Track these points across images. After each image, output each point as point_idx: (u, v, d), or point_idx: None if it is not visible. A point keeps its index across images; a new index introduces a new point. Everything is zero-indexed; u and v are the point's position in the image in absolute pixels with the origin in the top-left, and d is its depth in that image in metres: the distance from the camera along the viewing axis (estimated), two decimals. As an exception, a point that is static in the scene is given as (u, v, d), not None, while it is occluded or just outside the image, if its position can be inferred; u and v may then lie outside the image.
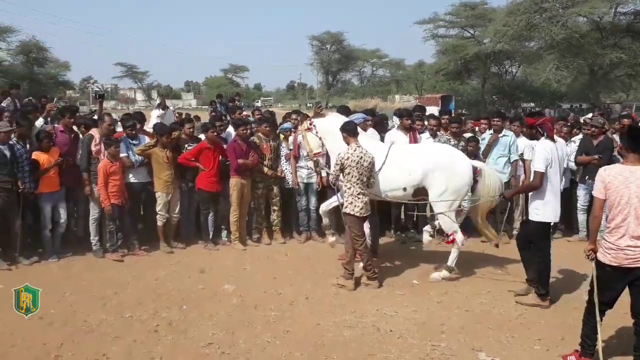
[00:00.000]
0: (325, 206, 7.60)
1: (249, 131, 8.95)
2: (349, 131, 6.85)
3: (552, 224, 6.28)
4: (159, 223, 8.46)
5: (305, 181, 9.09)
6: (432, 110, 16.12)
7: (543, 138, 6.16)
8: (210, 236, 8.81)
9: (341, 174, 6.74)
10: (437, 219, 7.28)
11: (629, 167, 4.55)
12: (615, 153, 8.43)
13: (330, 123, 7.47)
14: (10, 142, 7.56)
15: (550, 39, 31.78)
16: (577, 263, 7.11)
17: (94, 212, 8.14)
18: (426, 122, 9.43)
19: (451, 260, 7.21)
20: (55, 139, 8.10)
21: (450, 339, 5.44)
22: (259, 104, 67.89)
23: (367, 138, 7.46)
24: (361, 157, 6.67)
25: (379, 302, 6.41)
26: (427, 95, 47.78)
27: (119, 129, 8.85)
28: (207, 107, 18.06)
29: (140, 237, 8.68)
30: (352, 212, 6.73)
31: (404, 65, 73.16)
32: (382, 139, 9.01)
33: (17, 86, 11.81)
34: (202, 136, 8.90)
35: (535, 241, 6.29)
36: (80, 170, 8.08)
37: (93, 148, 8.05)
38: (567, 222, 9.41)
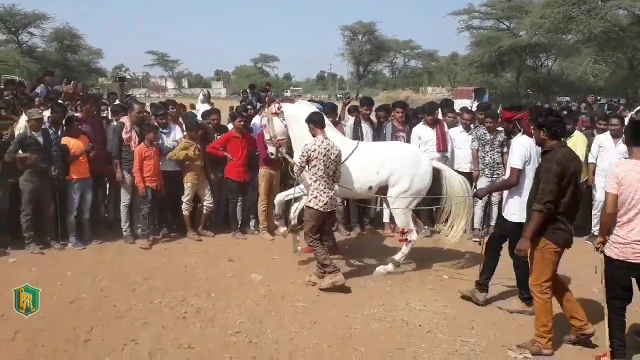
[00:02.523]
0: (281, 196, 7.44)
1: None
2: (316, 122, 6.56)
3: None
4: (185, 212, 8.51)
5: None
6: (465, 103, 15.89)
7: (520, 134, 5.89)
8: (239, 225, 8.83)
9: (306, 166, 6.48)
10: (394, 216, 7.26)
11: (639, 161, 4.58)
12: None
13: (299, 110, 7.22)
14: (44, 127, 7.67)
15: (589, 32, 31.04)
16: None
17: (124, 199, 8.23)
18: (459, 116, 9.27)
19: (399, 256, 7.11)
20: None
21: (480, 334, 5.34)
22: (288, 94, 67.84)
23: (334, 132, 7.23)
24: (328, 150, 6.38)
25: (408, 296, 6.32)
26: (460, 88, 47.14)
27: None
28: (237, 96, 18.11)
29: (170, 225, 8.77)
30: (315, 207, 6.42)
31: (437, 56, 72.06)
32: (409, 133, 8.94)
33: (50, 73, 11.98)
34: (230, 125, 8.91)
35: (513, 242, 5.57)
36: (112, 157, 8.16)
37: (124, 135, 8.12)
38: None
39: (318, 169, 6.36)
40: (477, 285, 6.13)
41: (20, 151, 7.49)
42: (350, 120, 9.37)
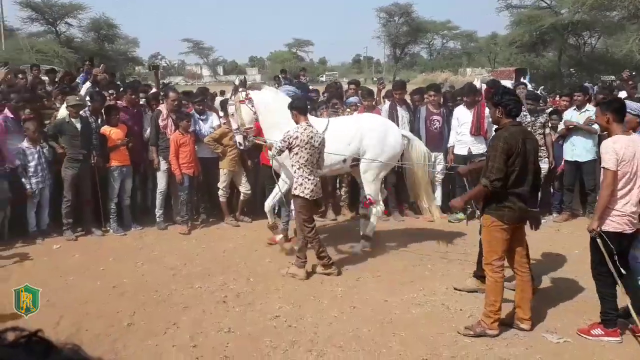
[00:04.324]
0: (270, 202, 7.17)
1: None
2: (300, 109, 6.36)
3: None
4: (222, 199, 8.53)
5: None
6: (505, 84, 15.47)
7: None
8: (276, 211, 8.80)
9: (289, 154, 6.29)
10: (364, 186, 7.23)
11: (628, 137, 4.73)
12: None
13: (268, 97, 7.12)
14: (84, 115, 7.78)
15: (634, 8, 29.90)
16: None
17: (160, 185, 8.31)
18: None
19: (369, 229, 7.22)
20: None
21: (524, 319, 5.21)
22: (323, 78, 67.36)
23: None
24: (311, 137, 6.17)
25: (449, 280, 6.21)
26: (500, 69, 45.90)
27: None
28: (272, 82, 18.04)
29: (208, 211, 8.83)
30: (301, 195, 6.23)
31: (476, 37, 70.10)
32: (446, 116, 8.78)
33: (91, 61, 12.10)
34: None
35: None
36: (149, 144, 8.24)
37: (160, 123, 8.18)
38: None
39: (300, 157, 6.17)
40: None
41: (59, 138, 7.65)
42: (386, 104, 9.25)
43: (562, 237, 7.89)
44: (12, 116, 7.67)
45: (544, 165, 7.90)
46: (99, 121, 8.09)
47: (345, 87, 11.36)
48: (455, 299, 5.71)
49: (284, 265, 6.68)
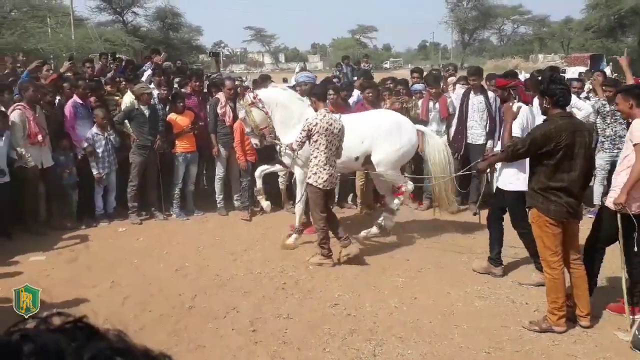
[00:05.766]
0: (259, 171, 7.24)
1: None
2: (318, 95, 6.31)
3: None
4: (281, 186, 8.53)
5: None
6: (580, 70, 14.87)
7: (515, 101, 5.68)
8: (336, 199, 8.76)
9: (308, 142, 6.18)
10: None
11: None
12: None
13: (276, 94, 7.02)
14: (151, 103, 7.95)
15: None
16: None
17: (219, 172, 8.40)
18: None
19: (395, 205, 7.11)
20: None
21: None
22: (387, 65, 66.57)
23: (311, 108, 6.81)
24: (330, 124, 6.08)
25: (515, 274, 5.99)
26: (574, 55, 44.06)
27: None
28: (333, 69, 17.96)
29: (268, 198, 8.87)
30: (314, 184, 6.13)
31: (549, 22, 67.24)
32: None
33: (157, 51, 12.38)
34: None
35: (513, 212, 5.77)
36: (208, 132, 8.33)
37: (219, 110, 8.25)
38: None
39: (320, 144, 6.07)
40: (490, 261, 5.97)
41: (127, 123, 7.86)
42: (458, 90, 8.92)
43: None
44: (81, 102, 7.92)
45: None
46: (165, 108, 8.25)
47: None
48: (521, 292, 5.50)
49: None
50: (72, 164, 7.71)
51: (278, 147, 7.04)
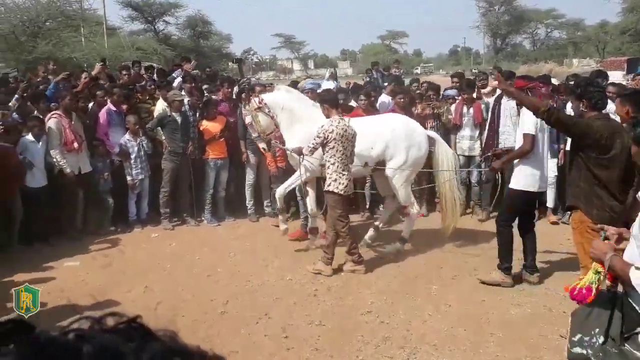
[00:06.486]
0: (283, 189, 6.99)
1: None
2: (331, 102, 6.21)
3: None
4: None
5: (466, 154, 8.56)
6: (616, 75, 14.54)
7: None
8: (367, 206, 8.71)
9: (322, 149, 6.09)
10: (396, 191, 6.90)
11: None
12: None
13: (283, 98, 6.90)
14: (182, 109, 8.02)
15: None
16: None
17: (249, 178, 8.42)
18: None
19: (405, 231, 6.95)
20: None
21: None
22: (418, 70, 66.05)
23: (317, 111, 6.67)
24: (345, 130, 6.01)
25: (551, 282, 5.85)
26: (610, 59, 43.17)
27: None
28: (363, 75, 17.93)
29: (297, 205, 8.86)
30: (335, 190, 6.05)
31: (583, 25, 65.68)
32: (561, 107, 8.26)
33: (187, 59, 12.52)
34: (353, 103, 8.78)
35: (505, 208, 5.92)
36: (238, 138, 8.36)
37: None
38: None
39: (337, 151, 5.99)
40: (526, 269, 5.89)
41: (159, 130, 7.96)
42: (491, 98, 8.78)
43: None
44: (115, 109, 8.03)
45: None
46: (197, 115, 8.32)
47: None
48: (558, 301, 5.36)
49: (376, 261, 6.57)
50: (108, 170, 7.83)
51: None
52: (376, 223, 7.22)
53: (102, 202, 7.85)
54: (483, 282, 5.80)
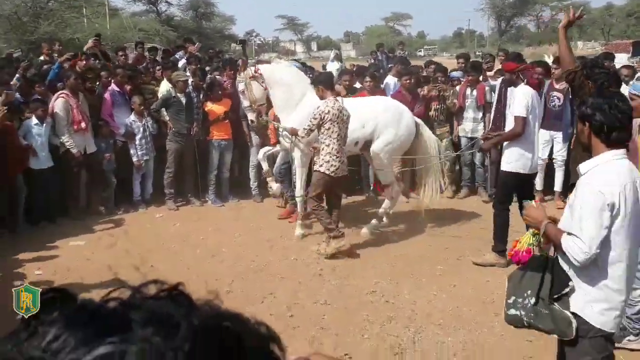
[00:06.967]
0: (262, 154, 7.12)
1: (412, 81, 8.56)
2: (325, 83, 6.17)
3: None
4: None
5: (469, 135, 8.51)
6: (621, 57, 14.40)
7: (522, 84, 5.73)
8: (372, 188, 8.70)
9: (317, 130, 6.05)
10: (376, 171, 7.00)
11: None
12: None
13: (279, 72, 6.81)
14: (187, 90, 7.98)
15: None
16: None
17: (253, 159, 8.40)
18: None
19: (382, 210, 6.97)
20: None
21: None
22: (421, 53, 65.58)
23: (313, 92, 6.66)
24: (340, 111, 6.00)
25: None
26: (615, 41, 42.79)
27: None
28: (366, 57, 17.82)
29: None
30: (326, 172, 6.00)
31: (589, 8, 64.45)
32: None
33: (191, 40, 12.43)
34: (358, 85, 8.73)
35: (499, 191, 6.00)
36: (241, 119, 8.32)
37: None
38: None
39: (332, 132, 5.96)
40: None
41: (164, 110, 7.94)
42: (498, 80, 8.70)
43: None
44: (118, 90, 8.00)
45: None
46: (200, 96, 8.28)
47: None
48: (562, 282, 5.38)
49: (381, 242, 6.57)
50: (111, 150, 7.81)
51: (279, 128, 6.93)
52: (380, 210, 7.15)
53: (106, 183, 7.85)
54: (476, 264, 5.82)
